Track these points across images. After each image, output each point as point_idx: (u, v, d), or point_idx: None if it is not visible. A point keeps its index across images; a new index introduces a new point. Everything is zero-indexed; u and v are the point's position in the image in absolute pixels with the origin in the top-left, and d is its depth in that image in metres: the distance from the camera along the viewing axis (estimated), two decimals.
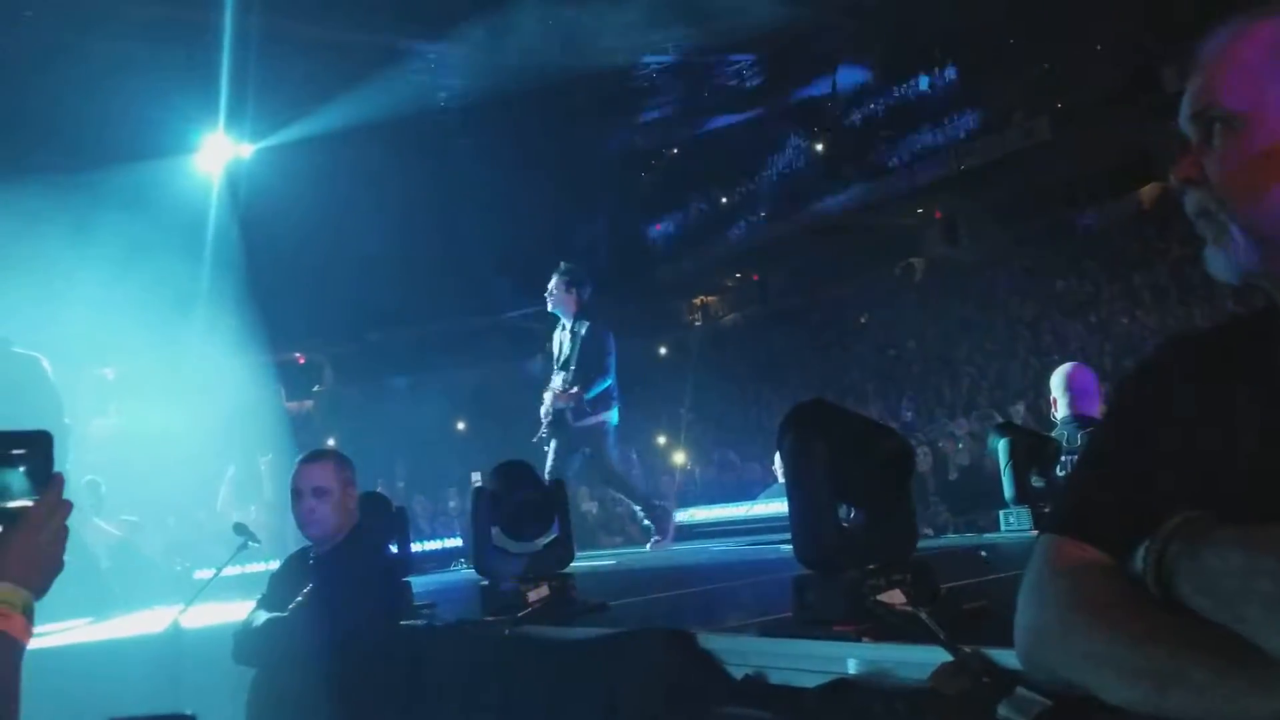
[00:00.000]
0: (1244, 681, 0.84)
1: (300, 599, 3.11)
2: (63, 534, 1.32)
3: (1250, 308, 1.12)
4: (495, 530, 3.18)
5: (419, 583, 4.39)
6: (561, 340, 6.53)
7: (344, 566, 3.13)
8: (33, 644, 1.27)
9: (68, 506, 1.33)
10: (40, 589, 1.30)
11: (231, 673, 3.25)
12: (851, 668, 1.78)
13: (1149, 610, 0.93)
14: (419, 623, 3.38)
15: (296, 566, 3.31)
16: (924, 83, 26.59)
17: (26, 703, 1.23)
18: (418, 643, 3.20)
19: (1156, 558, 0.93)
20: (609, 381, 6.44)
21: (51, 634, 3.83)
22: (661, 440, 18.80)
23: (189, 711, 1.36)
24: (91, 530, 6.89)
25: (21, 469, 1.30)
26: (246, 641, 3.13)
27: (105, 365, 17.58)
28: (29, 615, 1.27)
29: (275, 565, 5.13)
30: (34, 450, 1.31)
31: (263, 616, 3.16)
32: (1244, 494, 0.95)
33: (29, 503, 1.29)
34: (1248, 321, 1.09)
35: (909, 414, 14.43)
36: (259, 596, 3.32)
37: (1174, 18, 20.07)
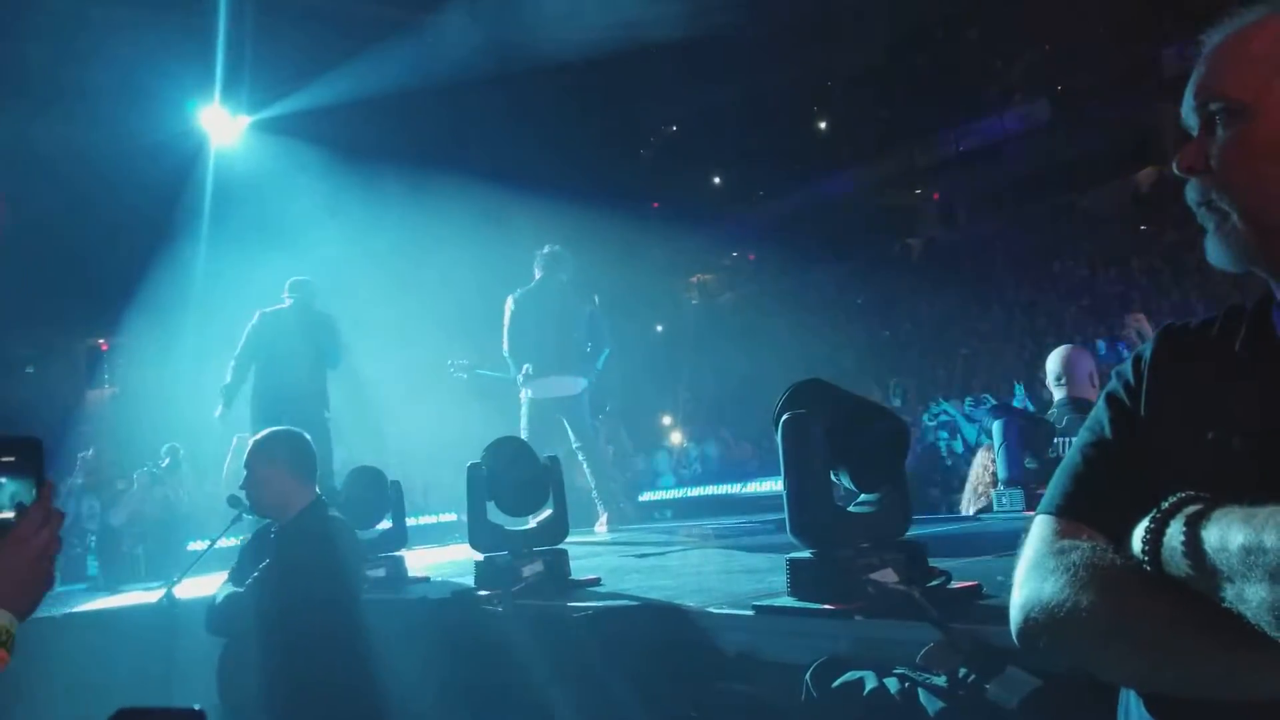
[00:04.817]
0: (1242, 659, 0.85)
1: (257, 573, 3.16)
2: (54, 547, 1.19)
3: (1245, 292, 1.13)
4: (490, 506, 3.19)
5: (414, 556, 4.41)
6: None
7: (291, 542, 3.17)
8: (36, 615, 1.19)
9: (59, 517, 1.21)
10: (25, 609, 1.17)
11: (221, 642, 3.28)
12: (844, 645, 1.79)
13: (1146, 588, 0.93)
14: (413, 596, 3.40)
15: (261, 540, 3.36)
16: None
17: (25, 671, 1.21)
18: (411, 616, 3.22)
19: (1155, 537, 0.94)
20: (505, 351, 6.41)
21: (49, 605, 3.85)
22: (657, 419, 18.81)
23: (185, 697, 1.31)
24: (178, 494, 7.14)
25: (8, 477, 1.19)
26: (213, 613, 3.18)
27: (98, 336, 17.55)
28: (6, 643, 1.14)
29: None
30: (23, 457, 1.20)
31: (226, 589, 3.22)
32: (1241, 476, 0.96)
33: (13, 514, 1.18)
34: (1245, 309, 1.10)
35: (897, 399, 14.40)
36: (230, 568, 3.36)
37: (1176, 2, 19.98)
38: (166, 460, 8.18)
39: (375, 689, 2.98)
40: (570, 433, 6.31)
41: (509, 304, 6.35)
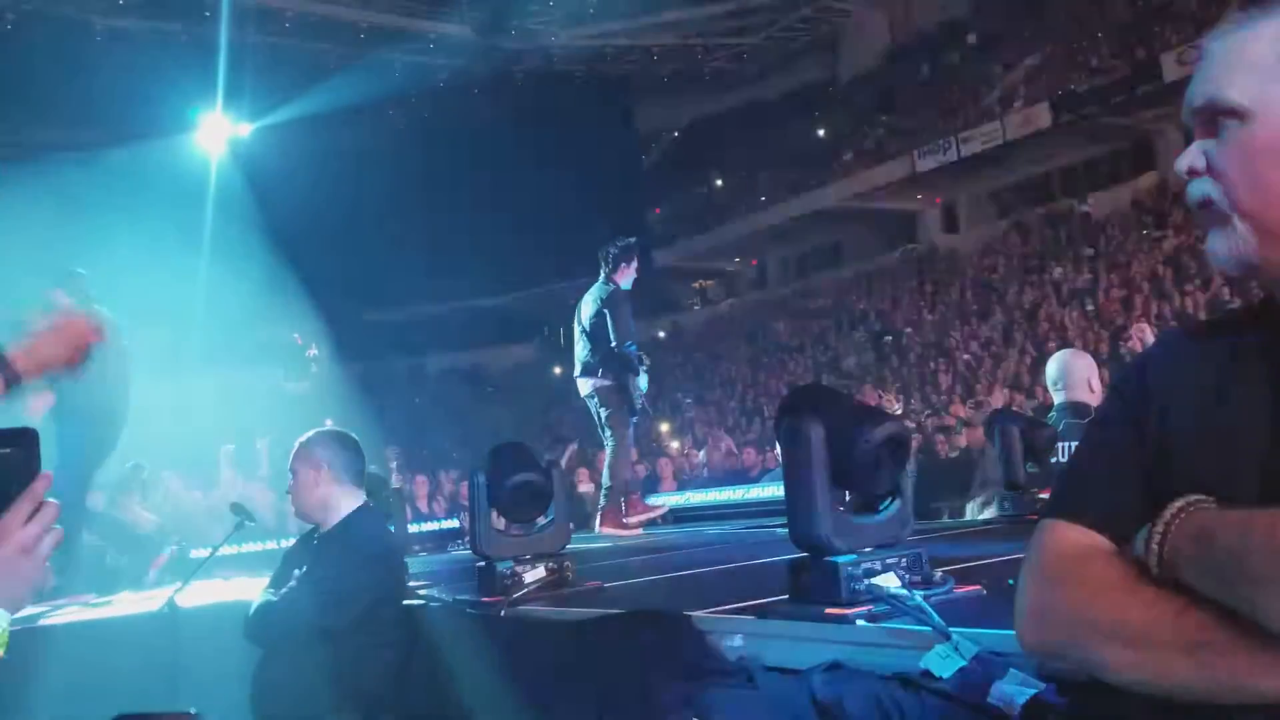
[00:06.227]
0: (1246, 660, 0.86)
1: (293, 581, 3.13)
2: (46, 539, 1.17)
3: (1245, 296, 1.14)
4: (492, 512, 3.19)
5: (416, 563, 4.41)
6: None
7: (338, 548, 3.14)
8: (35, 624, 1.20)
9: (53, 509, 1.18)
10: (16, 601, 1.16)
11: (227, 650, 3.26)
12: (846, 650, 1.79)
13: (1151, 590, 0.94)
14: (416, 603, 3.39)
15: (303, 546, 3.33)
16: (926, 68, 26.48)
17: (28, 680, 1.21)
18: (415, 622, 3.22)
19: (1159, 540, 0.94)
20: None
21: (50, 613, 3.85)
22: (658, 424, 18.82)
23: (189, 706, 1.29)
24: (131, 515, 6.97)
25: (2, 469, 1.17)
26: (251, 620, 3.14)
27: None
28: None
29: (272, 545, 5.13)
30: (17, 448, 1.19)
31: (265, 595, 3.18)
32: (1245, 479, 0.96)
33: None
34: (1248, 312, 1.11)
35: (898, 406, 14.38)
36: (271, 574, 3.33)
37: (1175, 7, 20.02)
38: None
39: (421, 696, 2.96)
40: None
41: None
